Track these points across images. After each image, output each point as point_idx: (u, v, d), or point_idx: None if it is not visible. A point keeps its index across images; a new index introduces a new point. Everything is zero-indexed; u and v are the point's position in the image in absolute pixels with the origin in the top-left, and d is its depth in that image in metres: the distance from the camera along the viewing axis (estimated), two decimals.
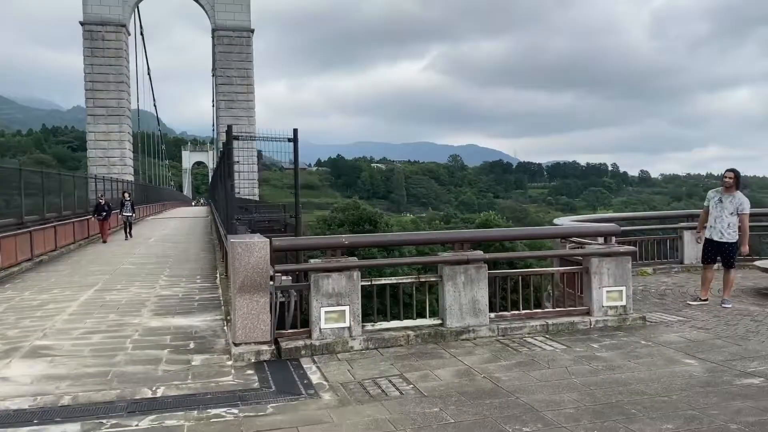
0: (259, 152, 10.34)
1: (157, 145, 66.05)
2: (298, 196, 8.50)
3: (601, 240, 8.56)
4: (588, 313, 8.14)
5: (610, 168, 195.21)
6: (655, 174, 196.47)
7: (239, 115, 45.82)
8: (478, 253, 7.65)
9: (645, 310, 9.10)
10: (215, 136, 45.09)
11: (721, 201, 9.36)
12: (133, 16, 45.61)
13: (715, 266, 9.44)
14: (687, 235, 13.34)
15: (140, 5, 45.71)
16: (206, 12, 46.95)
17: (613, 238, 8.51)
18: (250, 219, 10.84)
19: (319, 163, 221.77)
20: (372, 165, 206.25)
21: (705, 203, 9.67)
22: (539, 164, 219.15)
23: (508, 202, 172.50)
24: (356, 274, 7.14)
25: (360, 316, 7.17)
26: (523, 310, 8.04)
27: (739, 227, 9.17)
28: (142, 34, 48.75)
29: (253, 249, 6.79)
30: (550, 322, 7.81)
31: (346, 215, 51.41)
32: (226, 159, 9.81)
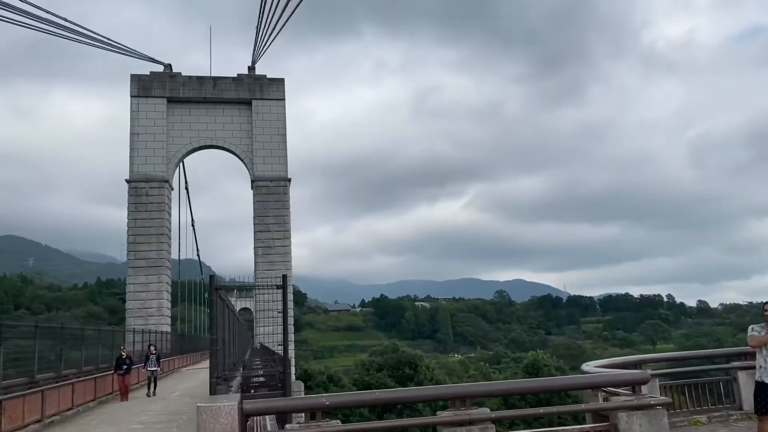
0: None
1: (200, 294, 66.74)
2: (286, 343, 7.75)
3: (630, 390, 7.38)
4: None
5: (665, 299, 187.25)
6: (714, 304, 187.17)
7: (275, 261, 46.26)
8: (484, 412, 6.60)
9: None
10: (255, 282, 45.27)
11: None
12: (178, 171, 48.20)
13: None
14: (742, 376, 11.78)
15: (187, 161, 48.50)
16: (245, 165, 49.28)
17: (643, 388, 7.33)
18: (246, 375, 10.00)
19: (362, 304, 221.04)
20: (416, 303, 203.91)
21: (751, 340, 7.89)
22: (590, 297, 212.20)
23: (561, 338, 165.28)
24: None
25: None
26: None
27: None
28: (187, 188, 51.01)
29: (218, 414, 5.98)
30: None
31: (384, 359, 49.58)
32: (213, 310, 9.24)
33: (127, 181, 44.03)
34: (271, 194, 47.46)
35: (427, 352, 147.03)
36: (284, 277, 8.28)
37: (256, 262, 47.88)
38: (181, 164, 46.83)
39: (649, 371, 8.03)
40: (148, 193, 44.01)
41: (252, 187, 48.62)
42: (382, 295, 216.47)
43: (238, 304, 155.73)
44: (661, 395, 11.76)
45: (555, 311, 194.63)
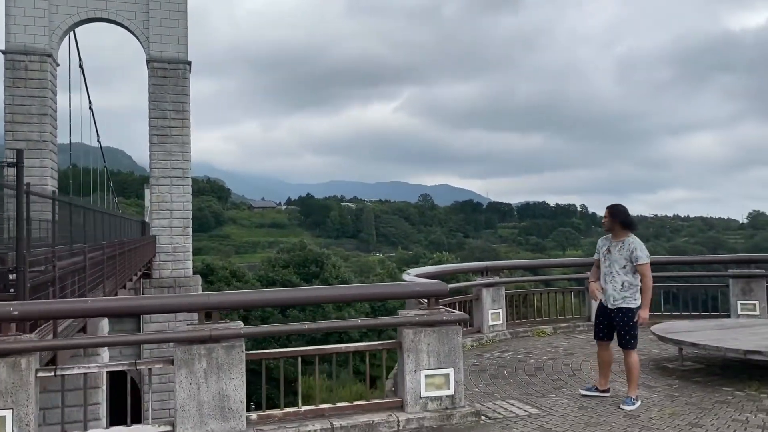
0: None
1: (105, 183, 62.50)
2: (21, 232, 6.17)
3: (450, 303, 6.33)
4: (401, 407, 5.86)
5: (579, 209, 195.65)
6: None
7: (173, 151, 43.28)
8: (233, 327, 5.37)
9: (499, 394, 6.86)
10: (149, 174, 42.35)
11: (609, 251, 6.60)
12: (70, 47, 43.28)
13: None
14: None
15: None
16: (141, 44, 44.89)
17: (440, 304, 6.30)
18: None
19: (288, 202, 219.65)
20: (342, 204, 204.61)
21: (595, 255, 6.92)
22: (509, 204, 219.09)
23: (478, 242, 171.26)
24: (26, 361, 4.80)
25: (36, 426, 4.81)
26: (303, 406, 5.73)
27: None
28: (81, 67, 46.49)
29: None
30: (338, 424, 5.50)
31: (291, 256, 48.88)
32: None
33: (2, 52, 39.07)
34: (168, 78, 43.59)
35: (349, 250, 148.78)
36: (19, 152, 6.53)
37: (151, 152, 44.67)
38: (73, 40, 41.97)
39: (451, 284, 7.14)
40: (27, 67, 39.24)
41: (147, 69, 44.40)
42: (308, 194, 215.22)
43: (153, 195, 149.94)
44: (508, 304, 11.19)
45: (475, 216, 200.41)
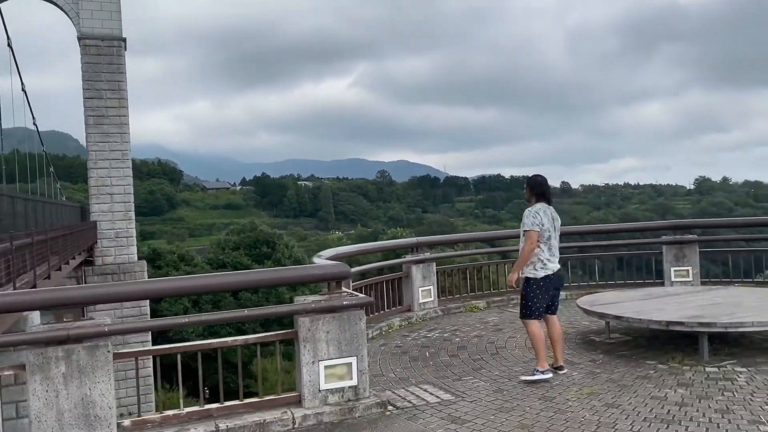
0: None
1: (45, 168, 59.69)
2: None
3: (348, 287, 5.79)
4: (299, 402, 5.34)
5: None
6: (575, 185, 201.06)
7: (110, 132, 41.47)
8: (96, 324, 4.72)
9: (415, 378, 6.42)
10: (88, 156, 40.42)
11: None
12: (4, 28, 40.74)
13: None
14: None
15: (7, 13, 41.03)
16: (71, 19, 42.58)
17: (345, 284, 5.76)
18: None
19: (244, 182, 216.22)
20: (298, 183, 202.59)
21: None
22: (466, 178, 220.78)
23: (436, 216, 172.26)
24: None
25: None
26: (186, 408, 5.14)
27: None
28: (10, 45, 43.89)
29: None
30: (225, 425, 4.93)
31: (241, 237, 47.80)
32: None
33: None
34: (102, 56, 41.52)
35: (308, 230, 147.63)
36: None
37: (87, 134, 42.66)
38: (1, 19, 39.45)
39: (353, 267, 6.62)
40: None
41: (79, 46, 42.19)
42: (263, 173, 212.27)
43: None
44: (440, 279, 10.79)
45: (432, 191, 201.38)
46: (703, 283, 10.90)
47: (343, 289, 5.63)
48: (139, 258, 41.00)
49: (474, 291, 11.00)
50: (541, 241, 6.03)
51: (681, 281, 10.83)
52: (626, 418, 4.95)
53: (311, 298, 5.44)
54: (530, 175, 6.56)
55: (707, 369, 6.08)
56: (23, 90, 52.00)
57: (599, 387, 5.78)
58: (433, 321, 9.58)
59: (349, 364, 5.38)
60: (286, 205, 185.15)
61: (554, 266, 6.12)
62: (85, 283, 35.56)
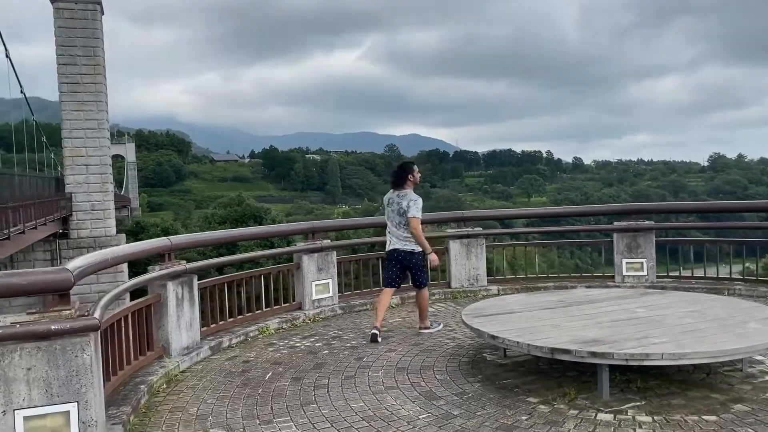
0: None
1: (35, 138, 58.54)
2: None
3: None
4: None
5: (544, 155, 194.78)
6: (587, 161, 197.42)
7: (85, 100, 39.88)
8: None
9: (218, 418, 4.80)
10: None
11: None
12: None
13: None
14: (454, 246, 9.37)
15: None
16: None
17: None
18: None
19: (252, 155, 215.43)
20: (306, 156, 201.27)
21: None
22: (476, 153, 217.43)
23: (444, 191, 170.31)
24: None
25: None
26: None
27: None
28: None
29: None
30: None
31: (228, 211, 46.42)
32: None
33: None
34: (76, 19, 39.85)
35: (315, 203, 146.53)
36: None
37: (60, 102, 41.27)
38: None
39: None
40: None
41: (53, 9, 40.57)
42: (271, 146, 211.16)
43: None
44: (353, 269, 9.20)
45: (442, 165, 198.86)
46: (658, 278, 9.21)
47: (76, 304, 4.01)
48: (118, 231, 39.88)
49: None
50: None
51: (634, 275, 9.13)
52: None
53: (9, 319, 3.81)
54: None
55: (599, 416, 4.41)
56: (7, 56, 50.50)
57: None
58: (324, 322, 7.98)
59: (66, 414, 3.78)
60: (294, 179, 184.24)
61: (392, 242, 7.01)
62: (60, 257, 34.46)
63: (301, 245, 8.39)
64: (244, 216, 46.31)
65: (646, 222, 9.17)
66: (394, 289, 7.11)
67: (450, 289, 9.39)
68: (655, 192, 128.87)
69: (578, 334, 4.82)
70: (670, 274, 9.41)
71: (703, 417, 4.30)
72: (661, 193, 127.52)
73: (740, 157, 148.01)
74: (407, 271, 7.01)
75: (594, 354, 4.36)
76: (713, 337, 4.63)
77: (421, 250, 6.86)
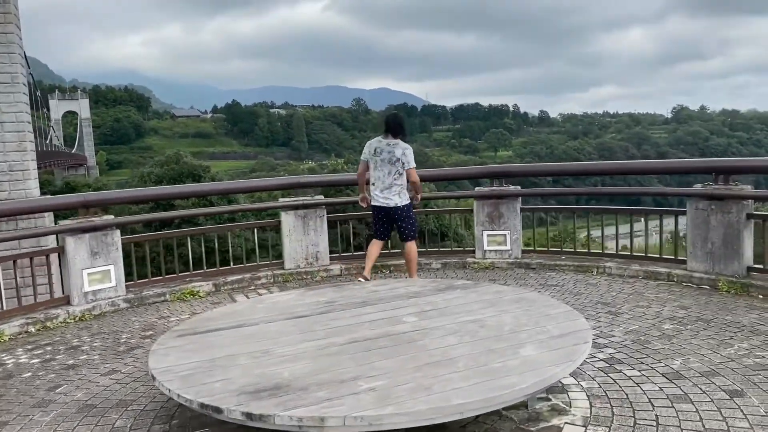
0: None
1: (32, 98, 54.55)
2: None
3: None
4: None
5: (511, 109, 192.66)
6: (554, 114, 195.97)
7: None
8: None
9: None
10: None
11: None
12: None
13: None
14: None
15: None
16: None
17: None
18: None
19: (215, 110, 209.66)
20: (271, 111, 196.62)
21: None
22: (444, 107, 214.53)
23: (413, 145, 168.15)
24: None
25: None
26: None
27: None
28: None
29: None
30: None
31: (164, 170, 44.03)
32: None
33: None
34: None
35: (280, 159, 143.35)
36: None
37: None
38: None
39: None
40: None
41: None
42: (234, 100, 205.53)
43: (60, 107, 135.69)
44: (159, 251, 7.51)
45: (410, 120, 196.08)
46: (525, 253, 7.76)
47: None
48: (42, 194, 37.42)
49: (207, 267, 7.78)
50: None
51: (496, 250, 7.66)
52: None
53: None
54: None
55: None
56: None
57: None
58: (90, 322, 6.32)
59: None
60: (258, 134, 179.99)
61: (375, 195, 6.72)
62: None
63: (66, 223, 6.66)
64: (181, 174, 44.03)
65: (511, 188, 7.64)
66: (383, 241, 7.01)
67: (282, 271, 7.81)
68: (619, 144, 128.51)
69: (272, 372, 3.25)
70: (538, 249, 7.91)
71: None
72: (624, 145, 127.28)
73: (702, 108, 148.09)
74: (395, 224, 6.82)
75: (250, 416, 2.79)
76: (459, 374, 3.09)
77: (408, 201, 6.70)
